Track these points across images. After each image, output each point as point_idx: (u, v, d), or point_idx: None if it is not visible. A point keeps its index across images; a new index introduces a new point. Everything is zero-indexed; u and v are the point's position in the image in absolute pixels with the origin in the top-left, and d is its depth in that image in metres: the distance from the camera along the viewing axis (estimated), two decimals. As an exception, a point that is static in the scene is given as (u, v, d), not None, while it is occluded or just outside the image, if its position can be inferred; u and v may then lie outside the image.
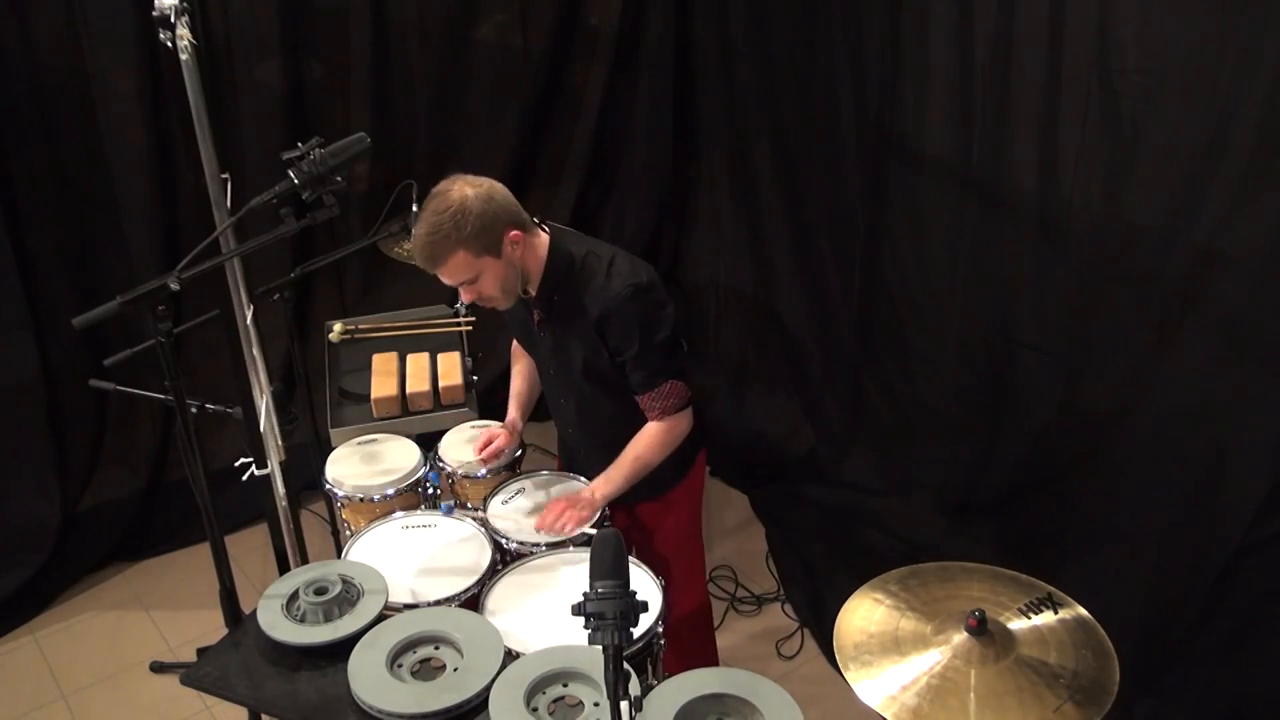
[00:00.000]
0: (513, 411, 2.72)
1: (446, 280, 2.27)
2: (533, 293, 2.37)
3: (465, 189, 2.21)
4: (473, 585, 2.31)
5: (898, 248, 3.45)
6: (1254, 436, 2.47)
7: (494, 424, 2.77)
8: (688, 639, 2.72)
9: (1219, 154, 2.39)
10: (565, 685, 1.99)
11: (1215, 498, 2.58)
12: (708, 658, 2.89)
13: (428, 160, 4.05)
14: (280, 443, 2.68)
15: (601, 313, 2.29)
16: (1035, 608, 1.89)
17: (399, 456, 2.84)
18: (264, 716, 2.27)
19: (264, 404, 2.63)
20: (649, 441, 2.42)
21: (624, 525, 2.60)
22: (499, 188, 2.25)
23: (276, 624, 2.15)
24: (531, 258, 2.31)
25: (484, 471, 2.75)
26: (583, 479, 2.62)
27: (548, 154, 4.20)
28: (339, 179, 2.16)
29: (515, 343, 2.73)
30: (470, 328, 3.50)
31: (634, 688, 1.82)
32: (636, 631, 1.72)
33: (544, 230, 2.37)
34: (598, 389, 2.42)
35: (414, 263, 3.18)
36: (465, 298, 2.32)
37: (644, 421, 2.44)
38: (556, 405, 2.59)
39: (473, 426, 2.94)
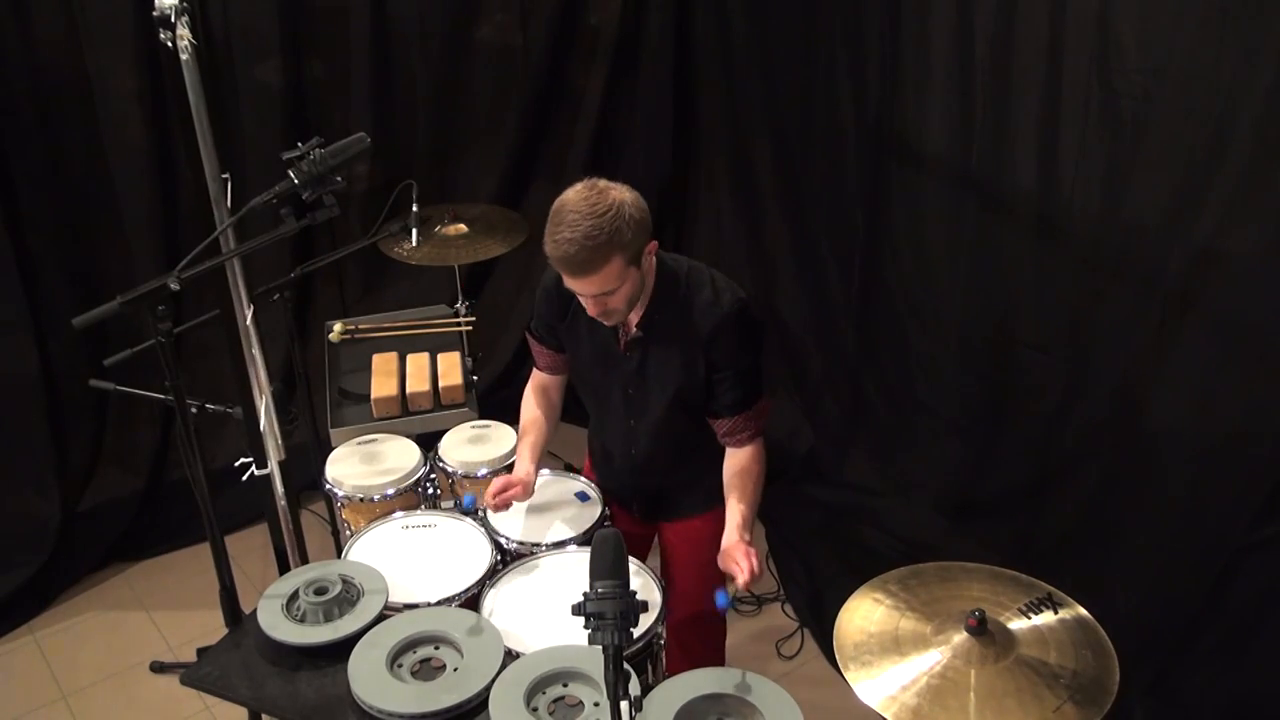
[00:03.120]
0: (528, 464, 2.43)
1: (586, 289, 2.09)
2: (634, 313, 2.23)
3: (616, 190, 2.07)
4: (473, 585, 2.31)
5: (898, 248, 3.45)
6: (1254, 436, 2.47)
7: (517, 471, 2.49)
8: (699, 649, 2.69)
9: (1219, 154, 2.39)
10: (565, 685, 1.99)
11: (1215, 497, 2.58)
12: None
13: (428, 160, 4.06)
14: (280, 442, 2.68)
15: (714, 328, 2.20)
16: (1035, 608, 1.89)
17: (399, 456, 2.85)
18: (264, 716, 2.28)
19: (264, 404, 2.63)
20: (760, 469, 2.30)
21: (648, 534, 2.58)
22: (639, 195, 2.12)
23: (276, 624, 2.16)
24: (650, 273, 2.21)
25: (484, 471, 2.76)
26: (582, 478, 2.62)
27: (548, 154, 4.20)
28: (339, 179, 2.16)
29: (531, 391, 2.53)
30: (470, 328, 3.50)
31: (634, 688, 1.82)
32: (636, 631, 1.72)
33: None
34: (678, 409, 2.32)
35: (413, 263, 3.23)
36: (592, 310, 2.14)
37: (711, 437, 2.34)
38: (623, 426, 2.42)
39: (473, 427, 2.94)
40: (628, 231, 2.03)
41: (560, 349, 2.43)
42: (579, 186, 2.08)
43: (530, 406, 2.53)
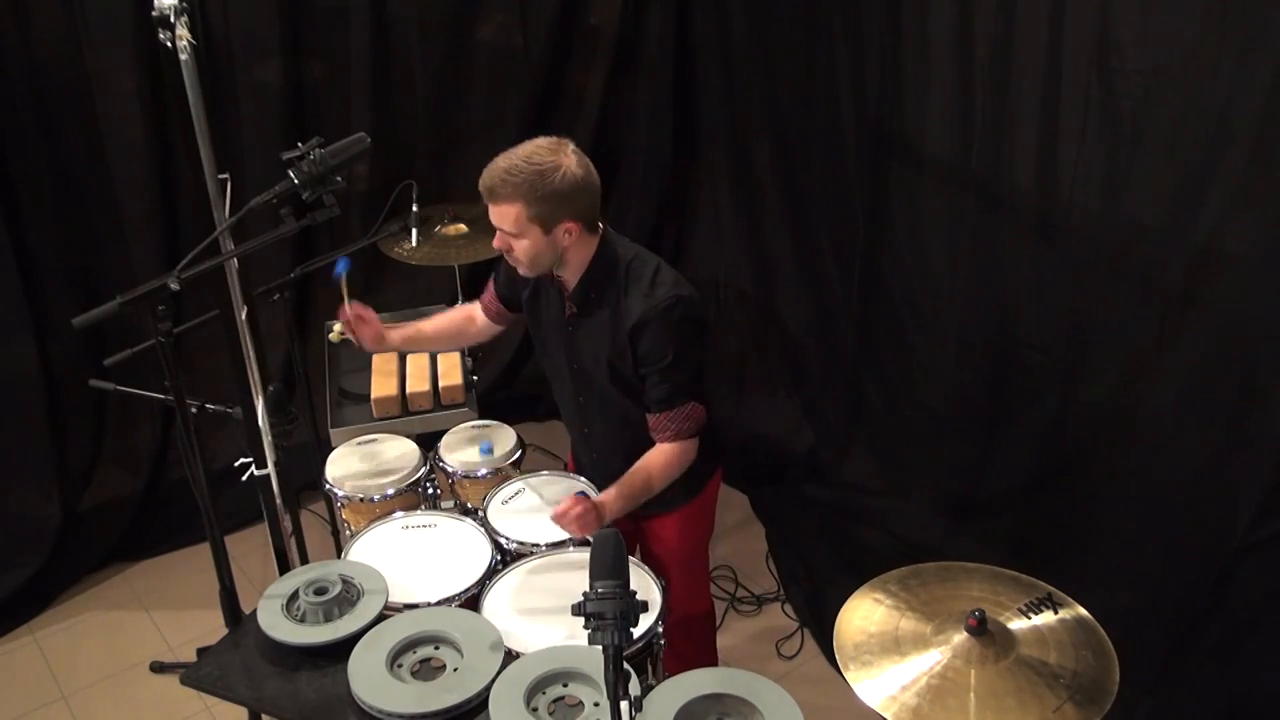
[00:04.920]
0: (398, 329, 2.67)
1: (492, 217, 2.23)
2: (569, 286, 2.33)
3: (569, 159, 2.16)
4: (473, 585, 2.31)
5: (898, 248, 3.45)
6: (1254, 436, 2.47)
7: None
8: (688, 652, 2.69)
9: (1219, 154, 2.39)
10: (565, 685, 1.99)
11: (1215, 497, 2.58)
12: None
13: (428, 160, 4.05)
14: (273, 441, 2.67)
15: (640, 318, 2.24)
16: (1035, 608, 1.89)
17: (399, 456, 2.84)
18: (264, 716, 2.28)
19: (259, 404, 2.62)
20: (660, 466, 2.34)
21: (627, 529, 2.58)
22: (595, 179, 2.21)
23: (276, 624, 2.16)
24: (578, 252, 2.27)
25: (484, 471, 2.76)
26: (582, 479, 2.62)
27: (547, 154, 4.20)
28: (339, 179, 2.16)
29: (458, 307, 2.77)
30: (470, 328, 3.49)
31: (634, 688, 1.82)
32: (636, 631, 1.72)
33: (599, 230, 2.32)
34: (621, 392, 2.37)
35: (413, 263, 3.23)
36: (496, 243, 2.27)
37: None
38: (575, 404, 2.51)
39: (473, 427, 2.94)
40: (541, 189, 2.13)
41: (507, 304, 2.58)
42: (553, 137, 2.20)
43: (444, 316, 2.73)
